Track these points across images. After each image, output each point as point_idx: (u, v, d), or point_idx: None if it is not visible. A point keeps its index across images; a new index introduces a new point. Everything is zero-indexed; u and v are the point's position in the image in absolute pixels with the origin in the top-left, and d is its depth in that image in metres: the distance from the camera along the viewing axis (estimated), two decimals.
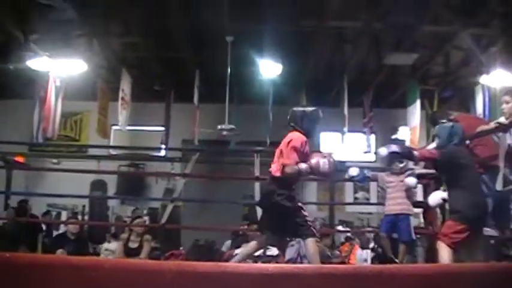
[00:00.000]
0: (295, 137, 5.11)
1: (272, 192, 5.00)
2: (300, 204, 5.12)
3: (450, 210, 5.00)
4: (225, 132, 11.26)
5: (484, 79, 10.63)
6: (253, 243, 5.40)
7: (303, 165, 5.00)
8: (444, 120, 5.27)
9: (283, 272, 2.89)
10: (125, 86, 11.72)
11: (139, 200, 13.42)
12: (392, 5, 9.27)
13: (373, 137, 13.45)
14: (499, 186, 5.19)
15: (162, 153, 13.20)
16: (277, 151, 5.15)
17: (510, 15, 9.27)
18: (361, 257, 8.84)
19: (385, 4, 9.34)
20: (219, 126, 11.16)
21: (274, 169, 5.05)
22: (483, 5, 9.24)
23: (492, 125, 5.40)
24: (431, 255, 6.93)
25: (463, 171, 4.80)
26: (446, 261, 4.51)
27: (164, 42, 11.11)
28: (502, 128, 5.27)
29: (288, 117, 5.29)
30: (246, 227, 9.14)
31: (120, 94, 11.56)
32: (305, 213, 5.07)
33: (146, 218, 11.13)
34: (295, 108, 5.36)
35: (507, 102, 5.43)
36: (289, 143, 5.06)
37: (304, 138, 5.12)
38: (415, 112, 12.38)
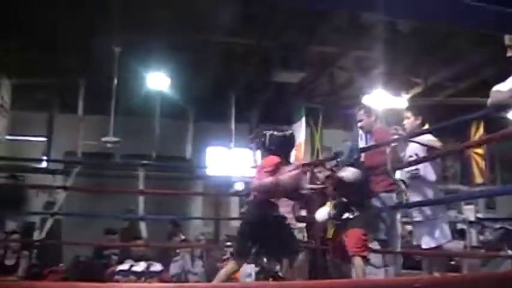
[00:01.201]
0: (271, 160, 5.27)
1: (262, 215, 5.13)
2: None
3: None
4: (109, 145, 10.96)
5: (365, 99, 11.07)
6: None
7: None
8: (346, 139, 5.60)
9: None
10: (4, 94, 11.16)
11: (17, 214, 12.74)
12: (282, 24, 9.48)
13: (259, 152, 13.62)
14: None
15: (44, 164, 12.68)
16: (256, 176, 5.34)
17: (392, 41, 9.75)
18: (246, 271, 8.86)
19: (275, 23, 9.51)
20: (103, 139, 10.87)
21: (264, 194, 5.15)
22: (367, 30, 9.65)
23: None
24: (314, 269, 7.09)
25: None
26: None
27: (49, 48, 10.68)
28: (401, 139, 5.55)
29: (266, 142, 5.38)
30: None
31: None
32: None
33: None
34: (276, 133, 5.43)
35: (408, 118, 5.75)
36: (265, 166, 5.27)
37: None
38: (301, 129, 12.72)
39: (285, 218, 5.46)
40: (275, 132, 5.46)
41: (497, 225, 9.27)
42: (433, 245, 5.29)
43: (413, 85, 12.42)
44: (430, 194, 5.45)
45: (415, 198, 5.54)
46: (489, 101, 4.19)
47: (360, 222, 5.17)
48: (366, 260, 4.95)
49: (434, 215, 5.37)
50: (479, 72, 11.01)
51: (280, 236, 5.18)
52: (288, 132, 5.59)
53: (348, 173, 5.32)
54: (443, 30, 9.52)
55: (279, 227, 5.22)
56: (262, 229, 5.09)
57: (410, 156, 5.55)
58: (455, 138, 10.18)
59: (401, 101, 11.58)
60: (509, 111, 4.38)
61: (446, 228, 5.47)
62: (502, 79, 4.20)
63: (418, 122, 5.67)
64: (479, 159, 12.67)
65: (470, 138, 11.25)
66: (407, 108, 6.02)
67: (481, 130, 11.57)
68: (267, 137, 5.40)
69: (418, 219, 5.56)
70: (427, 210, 5.39)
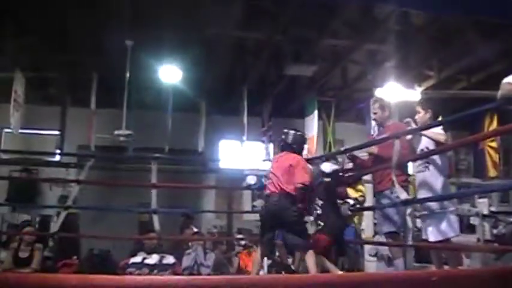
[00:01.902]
0: (300, 159, 5.91)
1: (287, 209, 5.57)
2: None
3: None
4: (122, 138, 11.00)
5: (378, 92, 11.03)
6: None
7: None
8: None
9: None
10: (18, 88, 11.22)
11: (31, 207, 12.84)
12: (293, 18, 9.46)
13: (271, 145, 13.62)
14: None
15: (57, 158, 12.75)
16: (282, 171, 5.72)
17: (403, 33, 9.73)
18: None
19: (286, 17, 9.50)
20: (116, 132, 10.92)
21: (288, 188, 5.60)
22: (379, 23, 9.62)
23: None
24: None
25: None
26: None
27: (61, 44, 10.74)
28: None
29: (289, 139, 6.02)
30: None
31: (13, 96, 11.05)
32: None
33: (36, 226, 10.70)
34: (298, 132, 6.17)
35: (419, 112, 5.74)
36: (297, 165, 5.75)
37: None
38: (313, 122, 12.69)
39: (303, 212, 5.83)
40: (298, 132, 6.12)
41: (511, 219, 9.22)
42: (440, 238, 5.28)
43: (426, 78, 12.37)
44: (439, 187, 5.43)
45: (423, 191, 5.52)
46: (499, 93, 4.18)
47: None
48: (375, 254, 5.11)
49: (442, 208, 5.35)
50: (492, 65, 10.95)
51: (297, 229, 5.63)
52: (303, 133, 6.35)
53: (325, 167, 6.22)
54: (455, 23, 9.48)
55: (299, 220, 5.69)
56: (284, 220, 5.57)
57: (422, 150, 5.54)
58: (469, 132, 10.15)
59: (414, 94, 11.52)
60: None
61: (454, 221, 5.45)
62: None
63: (428, 115, 5.67)
64: (492, 152, 12.60)
65: (483, 131, 11.18)
66: (418, 103, 6.01)
67: (495, 123, 11.50)
68: (291, 136, 5.99)
69: (425, 212, 5.55)
70: (435, 204, 5.37)
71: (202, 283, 2.77)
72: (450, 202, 5.46)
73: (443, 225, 5.27)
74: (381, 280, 3.07)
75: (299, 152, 6.02)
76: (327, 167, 6.34)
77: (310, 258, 5.46)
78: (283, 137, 6.11)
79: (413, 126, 5.67)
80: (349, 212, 6.54)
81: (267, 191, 5.87)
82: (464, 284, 3.15)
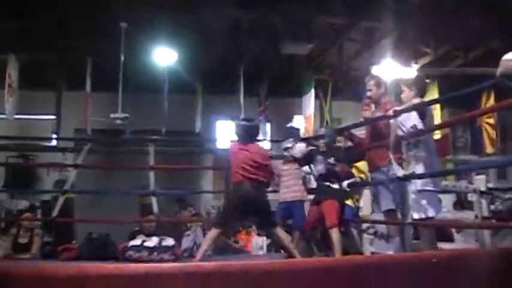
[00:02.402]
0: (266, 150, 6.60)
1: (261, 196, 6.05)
2: None
3: None
4: (118, 121, 10.97)
5: (375, 70, 10.99)
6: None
7: None
8: None
9: None
10: (12, 72, 11.14)
11: (29, 193, 12.82)
12: None
13: (268, 125, 13.59)
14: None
15: (54, 143, 12.71)
16: (255, 161, 5.99)
17: (401, 12, 9.67)
18: (257, 244, 8.92)
19: None
20: (112, 115, 10.88)
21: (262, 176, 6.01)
22: (376, 1, 9.56)
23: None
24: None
25: None
26: None
27: (56, 27, 10.63)
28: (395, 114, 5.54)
29: (253, 132, 6.35)
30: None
31: (7, 80, 10.98)
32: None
33: (39, 211, 10.69)
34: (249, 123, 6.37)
35: (403, 91, 5.75)
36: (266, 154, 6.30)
37: None
38: (310, 101, 12.69)
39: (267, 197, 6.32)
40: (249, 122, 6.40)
41: (508, 195, 9.23)
42: (423, 216, 5.27)
43: (423, 55, 12.32)
44: (427, 164, 5.41)
45: (414, 168, 5.48)
46: (499, 70, 4.15)
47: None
48: (374, 232, 5.16)
49: (423, 186, 5.33)
50: (489, 41, 10.90)
51: (266, 212, 6.07)
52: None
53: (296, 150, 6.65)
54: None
55: (267, 204, 6.11)
56: (255, 206, 5.96)
57: (411, 128, 5.51)
58: (466, 109, 10.11)
59: (411, 71, 11.48)
60: None
61: (436, 200, 5.46)
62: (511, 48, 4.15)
63: (413, 93, 5.63)
64: (490, 129, 12.58)
65: (481, 107, 11.15)
66: (402, 82, 6.01)
67: (492, 100, 11.46)
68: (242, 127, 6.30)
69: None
70: (418, 182, 5.35)
71: (195, 270, 2.78)
72: (432, 182, 5.44)
73: (425, 203, 5.28)
74: (381, 263, 3.08)
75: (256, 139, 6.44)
76: (298, 151, 6.65)
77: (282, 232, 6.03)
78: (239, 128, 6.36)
79: (396, 108, 5.64)
80: (347, 189, 6.56)
81: (239, 178, 5.99)
82: (463, 264, 3.16)
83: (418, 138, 5.43)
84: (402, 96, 5.79)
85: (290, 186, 7.30)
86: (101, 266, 2.62)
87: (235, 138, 6.36)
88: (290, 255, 6.01)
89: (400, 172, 5.42)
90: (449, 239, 7.88)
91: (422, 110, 5.42)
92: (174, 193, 10.62)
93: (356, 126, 6.80)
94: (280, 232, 6.01)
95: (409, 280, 3.01)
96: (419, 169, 5.34)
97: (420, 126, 5.39)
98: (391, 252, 5.85)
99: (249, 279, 2.79)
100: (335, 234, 5.83)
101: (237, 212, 6.07)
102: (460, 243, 7.90)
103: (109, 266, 2.64)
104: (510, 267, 3.19)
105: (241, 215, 6.21)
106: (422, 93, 5.77)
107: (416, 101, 5.51)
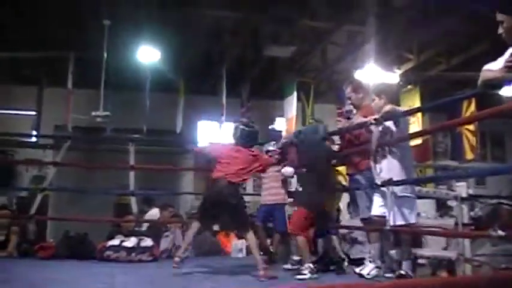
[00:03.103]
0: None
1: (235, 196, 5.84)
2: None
3: None
4: (99, 119, 10.89)
5: (357, 74, 11.02)
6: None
7: None
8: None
9: None
10: None
11: (7, 190, 12.62)
12: None
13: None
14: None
15: (33, 139, 12.57)
16: (240, 163, 5.89)
17: (383, 15, 9.70)
18: (237, 247, 8.88)
19: None
20: (94, 113, 10.79)
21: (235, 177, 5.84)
22: (359, 4, 9.58)
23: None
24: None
25: None
26: None
27: (38, 21, 10.50)
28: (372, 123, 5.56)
29: (252, 136, 6.14)
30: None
31: None
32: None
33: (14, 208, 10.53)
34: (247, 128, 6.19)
35: (373, 100, 5.82)
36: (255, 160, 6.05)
37: None
38: (292, 103, 12.70)
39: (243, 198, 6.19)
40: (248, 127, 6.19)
41: (488, 202, 9.28)
42: (403, 222, 5.29)
43: (406, 60, 12.38)
44: (404, 170, 5.43)
45: (390, 174, 5.47)
46: (479, 80, 4.16)
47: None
48: (354, 239, 5.12)
49: (402, 192, 5.35)
50: (471, 47, 10.98)
51: (240, 212, 5.91)
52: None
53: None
54: (434, 5, 9.47)
55: (242, 205, 6.01)
56: (230, 205, 5.78)
57: (385, 134, 5.53)
58: (447, 114, 10.18)
59: (393, 76, 11.53)
60: (499, 90, 4.32)
61: (414, 207, 5.49)
62: (494, 55, 4.16)
63: (383, 101, 5.65)
64: (470, 135, 12.66)
65: (461, 114, 11.23)
66: (373, 91, 6.06)
67: (473, 107, 11.54)
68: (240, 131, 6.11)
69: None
70: (398, 188, 5.36)
71: None
72: (410, 188, 5.46)
73: (405, 210, 5.30)
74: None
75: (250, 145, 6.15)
76: (289, 172, 6.73)
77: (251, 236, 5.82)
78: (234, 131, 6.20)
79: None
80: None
81: (219, 175, 5.85)
82: None
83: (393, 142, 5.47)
84: (372, 104, 5.85)
85: (271, 189, 7.28)
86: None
87: (232, 140, 6.22)
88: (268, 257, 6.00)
89: (381, 178, 5.42)
90: (419, 244, 7.93)
91: (395, 119, 5.44)
92: (153, 193, 10.54)
93: (337, 133, 6.81)
94: (249, 236, 5.81)
95: None
96: (394, 173, 5.37)
97: (393, 128, 5.42)
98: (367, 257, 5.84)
99: None
100: (299, 238, 5.77)
101: (213, 207, 5.93)
102: (430, 248, 7.97)
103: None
104: None
105: (217, 211, 5.95)
106: (393, 100, 5.81)
107: (388, 108, 5.52)
